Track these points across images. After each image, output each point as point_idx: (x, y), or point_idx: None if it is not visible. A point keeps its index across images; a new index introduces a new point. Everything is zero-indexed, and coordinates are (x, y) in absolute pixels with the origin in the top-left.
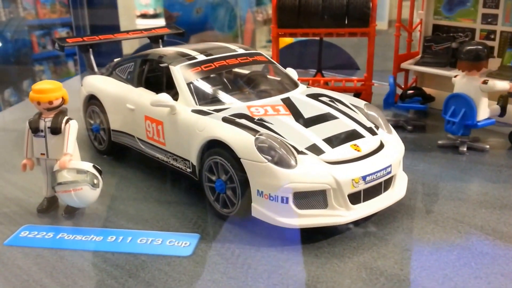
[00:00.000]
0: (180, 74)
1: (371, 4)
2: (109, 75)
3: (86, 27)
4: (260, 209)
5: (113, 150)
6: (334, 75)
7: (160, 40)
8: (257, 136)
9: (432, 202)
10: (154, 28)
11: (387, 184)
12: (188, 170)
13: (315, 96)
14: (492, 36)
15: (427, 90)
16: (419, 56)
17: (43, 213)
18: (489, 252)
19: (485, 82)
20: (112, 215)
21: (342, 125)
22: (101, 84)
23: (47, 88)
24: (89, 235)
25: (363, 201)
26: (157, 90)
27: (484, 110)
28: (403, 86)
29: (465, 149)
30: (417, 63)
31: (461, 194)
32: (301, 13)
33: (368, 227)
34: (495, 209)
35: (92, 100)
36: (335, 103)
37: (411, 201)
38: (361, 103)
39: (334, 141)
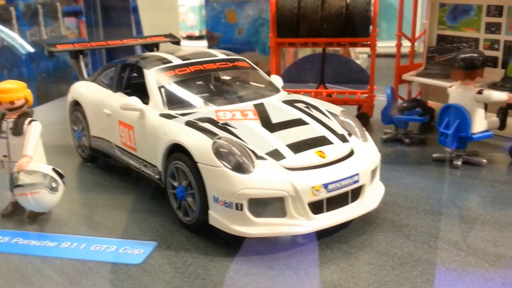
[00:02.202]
0: (153, 77)
1: (371, 13)
2: (93, 81)
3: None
4: (216, 217)
5: (95, 157)
6: (347, 90)
7: (155, 48)
8: (215, 140)
9: (409, 216)
10: (149, 36)
11: (356, 194)
12: (156, 176)
13: (290, 102)
14: (496, 46)
15: (432, 103)
16: (423, 67)
17: (7, 217)
18: (457, 269)
19: (480, 92)
20: (76, 221)
21: (310, 131)
22: (84, 89)
23: (9, 88)
24: (44, 241)
25: (327, 211)
26: (135, 95)
27: (481, 122)
28: (406, 99)
29: (459, 163)
30: (419, 74)
31: (442, 209)
32: (300, 22)
33: (334, 239)
34: (475, 224)
35: (76, 106)
36: (310, 109)
37: (388, 214)
38: (337, 110)
39: (298, 146)
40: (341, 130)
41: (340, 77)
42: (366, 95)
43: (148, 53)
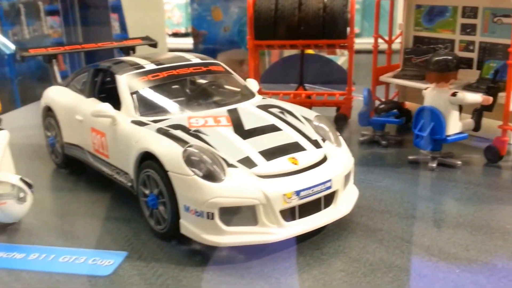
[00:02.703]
0: (125, 83)
1: (348, 15)
2: (66, 86)
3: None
4: (187, 226)
5: (69, 163)
6: (327, 90)
7: (131, 52)
8: (185, 148)
9: (383, 220)
10: (126, 39)
11: (328, 200)
12: (129, 184)
13: (265, 107)
14: (471, 47)
15: (409, 104)
16: (400, 68)
17: None
18: (428, 275)
19: (454, 95)
20: (46, 231)
21: (283, 137)
22: (56, 95)
23: None
24: (12, 252)
25: (299, 218)
26: (108, 100)
27: (455, 124)
28: (383, 100)
29: (434, 165)
30: (396, 76)
31: (416, 212)
32: (277, 25)
33: (307, 245)
34: (448, 228)
35: (49, 112)
36: (284, 115)
37: (362, 218)
38: (312, 115)
39: (270, 153)
40: (314, 136)
41: (320, 78)
42: (344, 96)
43: (121, 58)
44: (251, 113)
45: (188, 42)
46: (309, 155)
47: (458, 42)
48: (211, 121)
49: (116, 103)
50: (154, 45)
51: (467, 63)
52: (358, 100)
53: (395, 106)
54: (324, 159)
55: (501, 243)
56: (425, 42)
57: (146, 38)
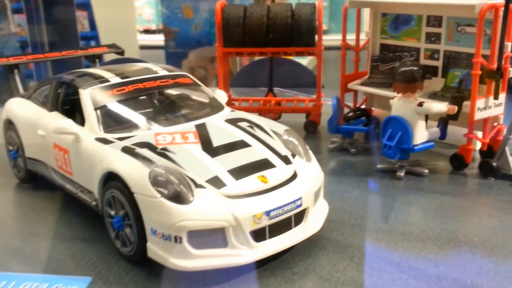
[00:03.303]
0: (88, 98)
1: (316, 23)
2: (28, 98)
3: (44, 44)
4: (154, 249)
5: (32, 178)
6: (296, 94)
7: (97, 60)
8: (152, 168)
9: (353, 235)
10: (91, 47)
11: (299, 217)
12: (93, 203)
13: (233, 121)
14: (436, 56)
15: (377, 110)
16: (367, 75)
17: None
18: None
19: (420, 105)
20: (5, 254)
21: (253, 153)
22: (18, 108)
23: None
24: None
25: (269, 238)
26: (71, 115)
27: (422, 133)
28: (352, 107)
29: (402, 174)
30: (364, 83)
31: (386, 225)
32: (246, 32)
33: (278, 265)
34: (417, 242)
35: (10, 125)
36: (253, 129)
37: (332, 233)
38: (281, 128)
39: (239, 172)
40: (284, 151)
41: (289, 81)
42: (313, 102)
43: (85, 70)
44: (219, 128)
45: (159, 39)
46: (279, 172)
47: (423, 50)
48: (179, 138)
49: (80, 117)
50: (121, 53)
51: (432, 71)
52: (327, 105)
53: (363, 114)
54: (294, 176)
55: (470, 257)
56: (391, 50)
57: (113, 46)
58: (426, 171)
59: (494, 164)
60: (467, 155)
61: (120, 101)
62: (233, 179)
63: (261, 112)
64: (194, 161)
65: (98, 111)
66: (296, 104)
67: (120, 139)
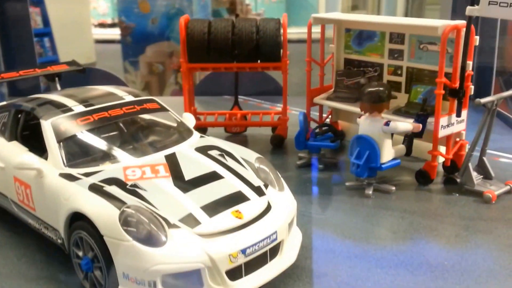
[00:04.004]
0: (51, 130)
1: (281, 38)
2: None
3: None
4: None
5: None
6: (261, 102)
7: (57, 78)
8: (123, 209)
9: (327, 262)
10: (50, 65)
11: (274, 250)
12: (59, 241)
13: (204, 150)
14: (399, 72)
15: (342, 123)
16: (332, 89)
17: None
18: None
19: (387, 124)
20: None
21: (226, 186)
22: None
23: None
24: None
25: (245, 275)
26: (32, 146)
27: (389, 152)
28: (318, 120)
29: (370, 192)
30: (330, 98)
31: (359, 250)
32: (211, 48)
33: None
34: (390, 267)
35: None
36: (224, 158)
37: (306, 262)
38: (252, 156)
39: (213, 208)
40: (257, 182)
41: (252, 88)
42: (279, 115)
43: (46, 96)
44: (190, 158)
45: (115, 33)
46: (253, 205)
47: (387, 66)
48: (149, 172)
49: (41, 147)
50: (81, 70)
51: (395, 87)
52: (292, 114)
53: (330, 130)
54: (268, 208)
55: (442, 284)
56: (355, 65)
57: (73, 63)
58: (393, 188)
59: (458, 180)
60: (432, 171)
61: (84, 132)
62: (207, 217)
63: (227, 127)
64: (166, 198)
65: (62, 144)
66: (262, 118)
67: (87, 174)
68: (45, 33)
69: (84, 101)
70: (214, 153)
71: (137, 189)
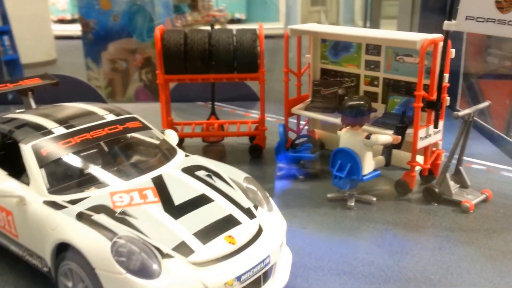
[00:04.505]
0: (32, 154)
1: (258, 50)
2: None
3: None
4: None
5: None
6: (235, 108)
7: (30, 93)
8: (114, 240)
9: (317, 280)
10: (22, 79)
11: (267, 274)
12: (45, 269)
13: (190, 171)
14: (376, 83)
15: (319, 132)
16: (309, 99)
17: None
18: None
19: (368, 137)
20: None
21: (217, 210)
22: None
23: None
24: None
25: None
26: (12, 169)
27: (369, 164)
28: (295, 130)
29: (353, 203)
30: (307, 108)
31: (347, 266)
32: (188, 59)
33: None
34: (380, 284)
35: None
36: (212, 178)
37: (297, 280)
38: (240, 176)
39: (206, 234)
40: (246, 203)
41: (226, 94)
42: (256, 124)
43: (22, 117)
44: (178, 181)
45: (76, 29)
46: (245, 229)
47: (363, 77)
48: (137, 197)
49: (21, 170)
50: (55, 84)
51: (372, 97)
52: (267, 121)
53: (309, 140)
54: (259, 231)
55: None
56: (331, 75)
57: (46, 77)
58: (374, 199)
59: (437, 190)
60: (410, 181)
61: (67, 156)
62: (200, 244)
63: (205, 137)
64: (157, 226)
65: (44, 169)
66: (239, 127)
67: (73, 202)
68: (5, 31)
69: (63, 122)
70: (201, 173)
71: (126, 217)
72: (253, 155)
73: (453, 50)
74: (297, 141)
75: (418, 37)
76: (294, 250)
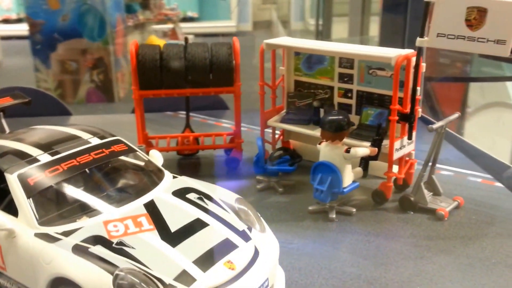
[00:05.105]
0: (19, 185)
1: (233, 64)
2: None
3: None
4: None
5: None
6: (206, 118)
7: (1, 113)
8: (116, 273)
9: None
10: None
11: None
12: None
13: (181, 194)
14: (350, 95)
15: (294, 142)
16: (284, 111)
17: None
18: None
19: (347, 151)
20: None
21: (213, 235)
22: None
23: None
24: None
25: None
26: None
27: (349, 176)
28: (271, 142)
29: (334, 215)
30: (283, 120)
31: (337, 281)
32: (164, 74)
33: None
34: None
35: None
36: (203, 201)
37: None
38: (232, 198)
39: (205, 261)
40: (240, 225)
41: (194, 103)
42: (231, 136)
43: (3, 143)
44: (170, 205)
45: (22, 29)
46: (242, 253)
47: (337, 89)
48: (132, 226)
49: (5, 199)
50: (27, 103)
51: (346, 109)
52: (244, 132)
53: (286, 153)
54: (256, 254)
55: None
56: (306, 87)
57: (18, 96)
58: (354, 210)
59: (412, 199)
60: (387, 191)
61: (55, 185)
62: (201, 272)
63: (180, 151)
64: (156, 256)
65: (32, 200)
66: (214, 140)
67: (66, 233)
68: None
69: (48, 149)
70: (192, 196)
71: (124, 248)
72: (230, 167)
73: (424, 64)
74: (275, 154)
75: (392, 53)
76: (283, 266)
